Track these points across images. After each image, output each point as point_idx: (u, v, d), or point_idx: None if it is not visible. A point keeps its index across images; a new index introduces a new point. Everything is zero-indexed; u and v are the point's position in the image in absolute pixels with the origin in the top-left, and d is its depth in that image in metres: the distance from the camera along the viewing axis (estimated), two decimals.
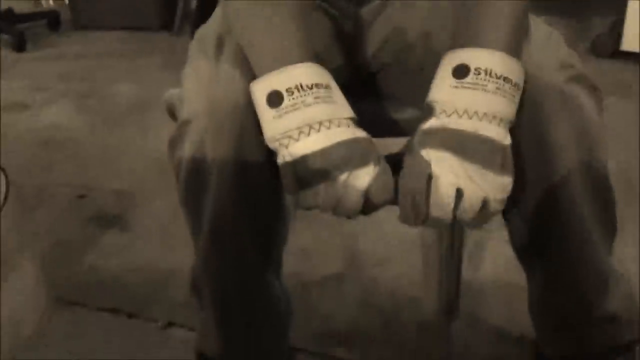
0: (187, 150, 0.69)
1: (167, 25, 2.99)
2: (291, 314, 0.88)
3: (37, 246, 1.22)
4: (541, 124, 0.68)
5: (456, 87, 0.64)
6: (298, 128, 0.62)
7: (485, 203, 0.63)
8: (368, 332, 1.08)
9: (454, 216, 0.63)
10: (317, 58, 0.67)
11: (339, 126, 0.63)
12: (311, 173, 0.62)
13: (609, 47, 2.34)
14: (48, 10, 3.30)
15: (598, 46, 2.37)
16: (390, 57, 0.84)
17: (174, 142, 0.71)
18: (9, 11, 3.02)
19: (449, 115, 0.64)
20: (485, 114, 0.63)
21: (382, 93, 0.86)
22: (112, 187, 1.60)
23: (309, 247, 1.29)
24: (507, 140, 0.64)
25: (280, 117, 0.63)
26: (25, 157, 1.76)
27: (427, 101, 0.66)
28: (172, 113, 0.79)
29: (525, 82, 0.66)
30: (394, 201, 0.65)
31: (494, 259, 1.23)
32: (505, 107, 0.64)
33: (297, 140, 0.62)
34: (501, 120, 0.63)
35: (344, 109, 0.65)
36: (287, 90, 0.63)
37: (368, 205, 0.64)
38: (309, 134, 0.62)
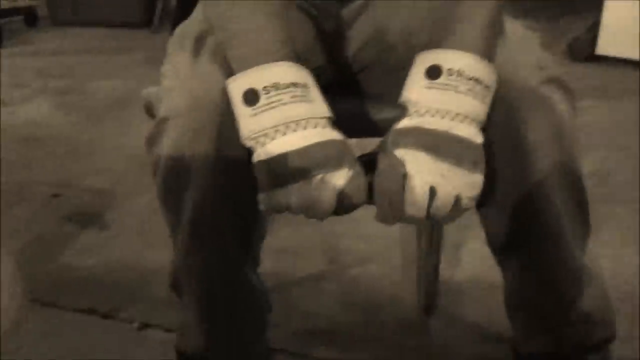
0: (165, 147, 0.69)
1: (146, 22, 2.97)
2: (270, 309, 0.88)
3: (13, 243, 1.20)
4: (517, 125, 0.69)
5: (429, 87, 0.65)
6: (274, 127, 0.63)
7: (457, 200, 0.64)
8: (348, 331, 1.08)
9: (428, 213, 0.64)
10: (298, 58, 0.67)
11: (315, 127, 0.64)
12: (289, 171, 0.63)
13: (585, 51, 2.37)
14: (25, 6, 3.25)
15: (574, 49, 2.40)
16: (371, 57, 0.84)
17: (152, 140, 0.71)
18: None
19: (422, 115, 0.65)
20: (457, 114, 0.64)
21: (364, 93, 0.86)
22: (91, 185, 1.59)
23: (289, 245, 1.29)
24: (479, 139, 0.65)
25: (256, 115, 0.63)
26: (4, 154, 1.74)
27: (400, 101, 0.67)
28: (149, 110, 0.78)
29: (500, 83, 0.67)
30: (368, 201, 0.66)
31: (472, 258, 1.24)
32: (477, 107, 0.65)
33: (274, 139, 0.63)
34: (472, 120, 0.65)
35: (321, 108, 0.66)
36: (263, 89, 0.63)
37: (341, 207, 0.65)
38: (285, 133, 0.63)
